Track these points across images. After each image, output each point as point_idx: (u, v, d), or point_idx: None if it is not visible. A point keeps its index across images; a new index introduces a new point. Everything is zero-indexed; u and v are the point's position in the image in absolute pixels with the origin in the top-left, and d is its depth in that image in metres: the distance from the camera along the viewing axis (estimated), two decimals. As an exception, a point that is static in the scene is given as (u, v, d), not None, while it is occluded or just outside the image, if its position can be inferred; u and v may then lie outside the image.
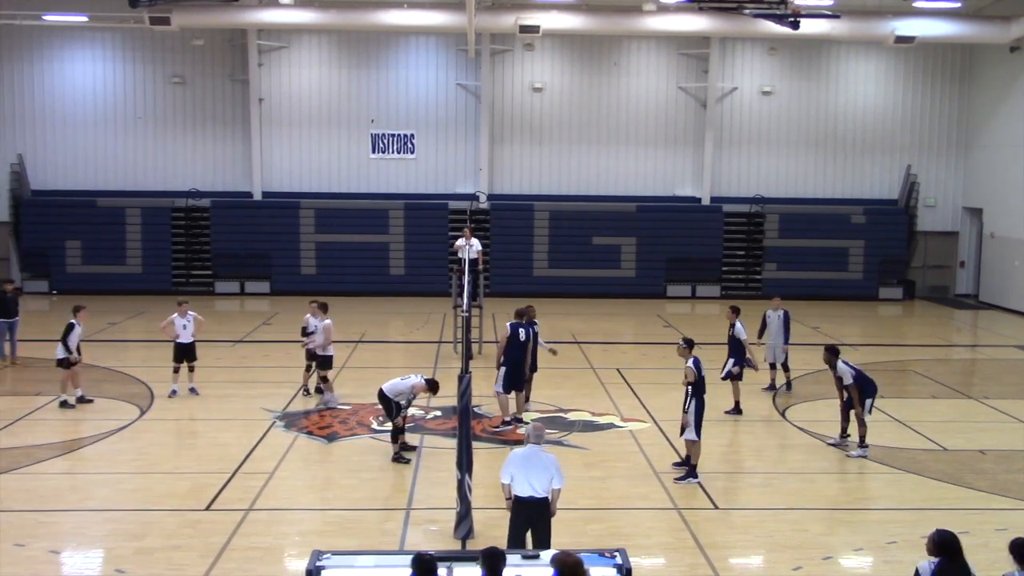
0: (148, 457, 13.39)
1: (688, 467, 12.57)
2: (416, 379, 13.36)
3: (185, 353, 16.63)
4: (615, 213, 29.95)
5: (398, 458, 13.21)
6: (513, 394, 15.07)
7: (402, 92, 30.08)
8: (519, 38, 28.44)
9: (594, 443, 14.29)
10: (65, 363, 15.92)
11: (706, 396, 12.65)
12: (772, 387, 17.52)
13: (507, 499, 9.32)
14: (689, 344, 12.89)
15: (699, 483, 12.38)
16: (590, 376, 18.84)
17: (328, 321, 16.48)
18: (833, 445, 14.16)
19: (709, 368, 13.34)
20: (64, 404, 15.81)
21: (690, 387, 12.47)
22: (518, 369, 14.91)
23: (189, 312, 16.73)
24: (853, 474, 13.27)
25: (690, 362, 12.54)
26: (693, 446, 12.52)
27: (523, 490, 9.10)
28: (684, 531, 10.94)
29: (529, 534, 9.13)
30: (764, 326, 17.80)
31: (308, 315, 16.91)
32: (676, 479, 12.49)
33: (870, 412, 13.83)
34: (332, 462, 13.36)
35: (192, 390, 16.69)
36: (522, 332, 15.02)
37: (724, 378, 15.74)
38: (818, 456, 13.89)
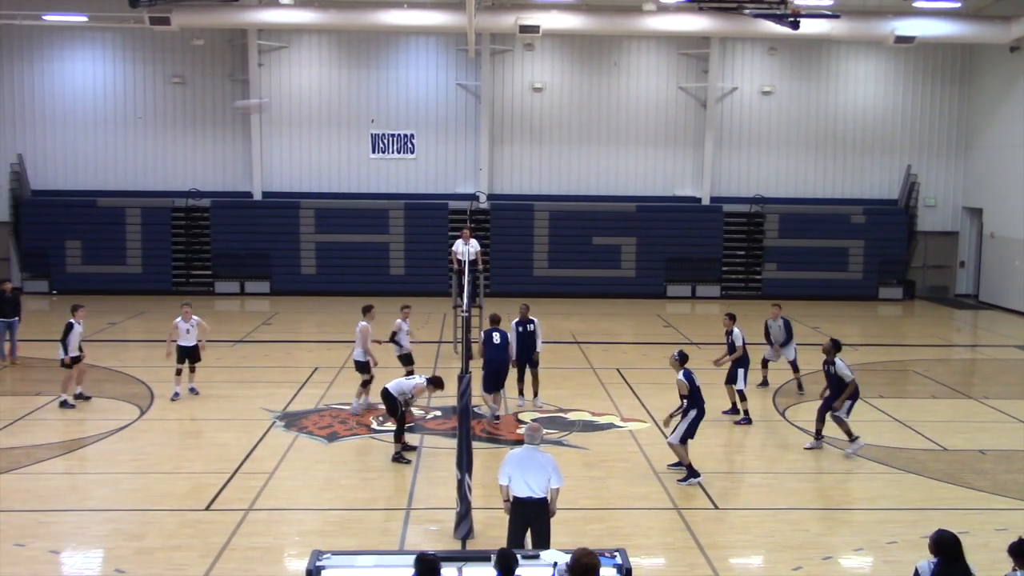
0: (148, 457, 13.39)
1: (685, 468, 12.55)
2: (419, 379, 13.45)
3: (188, 354, 16.55)
4: (615, 213, 29.96)
5: (398, 458, 13.22)
6: (493, 395, 15.44)
7: (402, 92, 30.09)
8: (519, 38, 28.44)
9: (594, 443, 14.29)
10: (76, 359, 16.09)
11: (705, 406, 12.62)
12: (764, 383, 17.58)
13: (505, 500, 9.33)
14: (682, 358, 12.70)
15: (699, 483, 12.37)
16: (590, 376, 18.84)
17: (364, 323, 15.90)
18: (810, 448, 14.08)
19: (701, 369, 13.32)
20: (64, 404, 15.82)
21: (685, 400, 12.47)
22: (492, 369, 15.29)
23: (193, 317, 16.61)
24: (853, 474, 13.26)
25: (680, 374, 12.50)
26: (677, 448, 12.51)
27: (521, 491, 9.11)
28: (684, 531, 10.94)
29: (528, 535, 9.14)
30: (767, 333, 17.62)
31: (398, 319, 16.58)
32: (679, 480, 12.49)
33: (849, 414, 13.82)
34: (332, 462, 13.34)
35: (192, 390, 16.68)
36: (496, 336, 15.37)
37: (739, 388, 15.63)
38: (818, 456, 13.89)
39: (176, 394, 16.39)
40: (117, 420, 15.07)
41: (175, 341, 16.55)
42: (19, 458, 13.13)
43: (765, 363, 17.65)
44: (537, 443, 9.33)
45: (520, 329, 15.89)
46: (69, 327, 16.05)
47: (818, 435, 14.15)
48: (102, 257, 29.07)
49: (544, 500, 9.16)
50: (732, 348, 15.69)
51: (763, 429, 15.34)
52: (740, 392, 15.58)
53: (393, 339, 16.57)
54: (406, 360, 16.44)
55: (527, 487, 9.08)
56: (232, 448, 13.71)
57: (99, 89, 29.64)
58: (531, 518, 9.12)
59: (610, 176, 30.68)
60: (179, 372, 16.52)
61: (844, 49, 30.41)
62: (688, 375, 12.51)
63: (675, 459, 13.08)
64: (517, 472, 9.13)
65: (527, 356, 15.95)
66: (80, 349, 16.19)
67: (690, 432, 12.47)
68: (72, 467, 13.04)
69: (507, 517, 9.32)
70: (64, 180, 29.71)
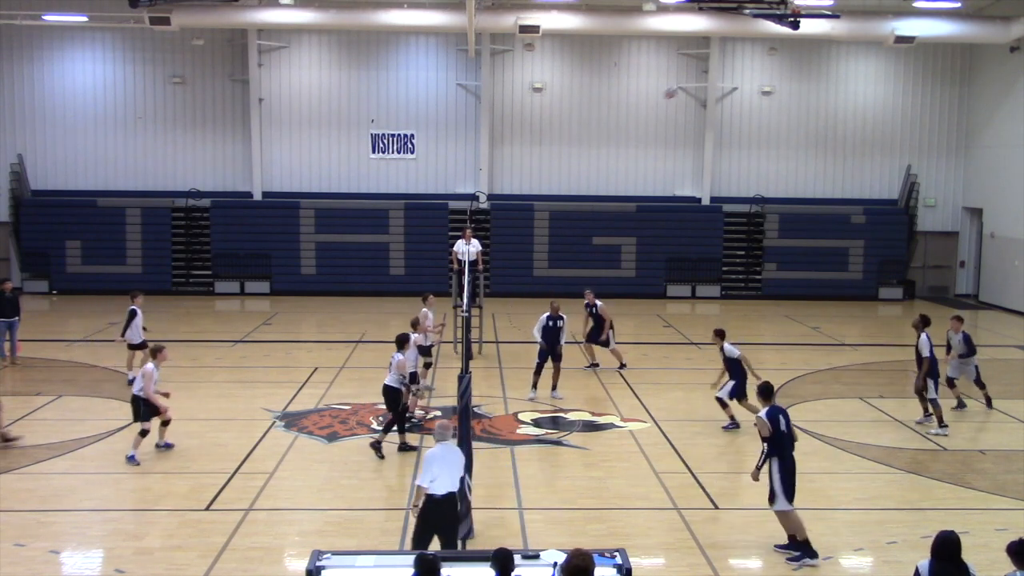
0: (148, 457, 13.38)
1: (796, 544, 10.16)
2: (397, 356, 13.64)
3: (154, 410, 13.38)
4: (615, 213, 29.95)
5: (404, 446, 13.54)
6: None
7: (402, 92, 30.08)
8: (519, 38, 28.43)
9: (594, 443, 14.29)
10: (142, 345, 16.72)
11: (794, 454, 10.32)
12: (961, 405, 16.66)
13: (415, 505, 9.45)
14: (764, 393, 10.65)
15: (814, 563, 10.04)
16: (590, 376, 18.84)
17: (424, 310, 17.02)
18: (919, 423, 15.13)
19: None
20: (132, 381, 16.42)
21: (766, 444, 10.21)
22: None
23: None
24: (853, 474, 13.27)
25: (762, 413, 10.35)
26: (785, 517, 10.25)
27: (446, 487, 9.22)
28: (684, 531, 10.94)
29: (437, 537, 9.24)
30: (949, 346, 16.79)
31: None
32: (787, 559, 10.12)
33: (936, 392, 14.77)
34: (332, 462, 13.34)
35: (167, 445, 13.73)
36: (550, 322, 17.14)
37: (730, 397, 15.06)
38: (818, 456, 13.89)
39: (132, 457, 13.03)
40: (117, 420, 15.07)
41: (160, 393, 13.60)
42: (19, 458, 13.14)
43: (951, 382, 16.38)
44: (449, 439, 9.65)
45: (549, 324, 16.92)
46: (132, 313, 16.88)
47: (926, 412, 15.25)
48: (102, 257, 29.04)
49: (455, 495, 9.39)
50: (732, 364, 14.91)
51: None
52: (719, 400, 15.11)
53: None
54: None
55: (452, 482, 9.29)
56: (232, 448, 13.72)
57: (99, 89, 29.62)
58: (447, 515, 9.25)
59: (610, 176, 30.68)
60: (144, 433, 13.16)
61: (844, 49, 30.40)
62: (772, 414, 10.24)
63: (679, 462, 12.91)
64: (444, 470, 9.30)
65: (552, 349, 16.85)
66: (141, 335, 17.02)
67: (788, 489, 10.15)
68: (72, 467, 13.03)
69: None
70: (64, 180, 29.69)
